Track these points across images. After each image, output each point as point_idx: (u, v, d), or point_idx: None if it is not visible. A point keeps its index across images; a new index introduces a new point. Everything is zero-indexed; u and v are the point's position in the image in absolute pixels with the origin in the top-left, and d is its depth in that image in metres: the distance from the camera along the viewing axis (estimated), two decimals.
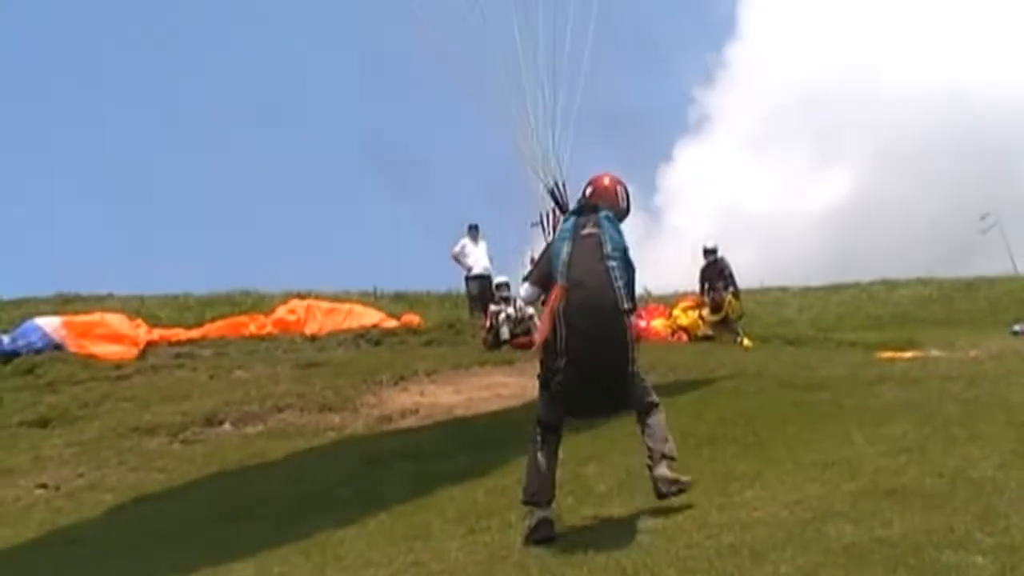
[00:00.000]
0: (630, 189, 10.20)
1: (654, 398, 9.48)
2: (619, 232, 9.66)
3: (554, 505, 9.23)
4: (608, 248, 9.44)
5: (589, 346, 9.21)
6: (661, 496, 9.23)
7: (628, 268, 9.50)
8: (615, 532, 8.69)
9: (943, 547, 7.03)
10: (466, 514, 10.12)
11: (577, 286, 9.34)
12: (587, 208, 9.91)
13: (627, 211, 10.15)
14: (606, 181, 10.21)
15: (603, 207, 9.82)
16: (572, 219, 9.81)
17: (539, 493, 9.17)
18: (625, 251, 9.56)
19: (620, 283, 9.30)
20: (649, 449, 9.29)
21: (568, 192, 11.30)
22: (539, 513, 9.06)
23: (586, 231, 9.59)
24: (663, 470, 9.19)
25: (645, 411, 9.42)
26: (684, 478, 9.29)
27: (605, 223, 9.62)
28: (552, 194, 11.26)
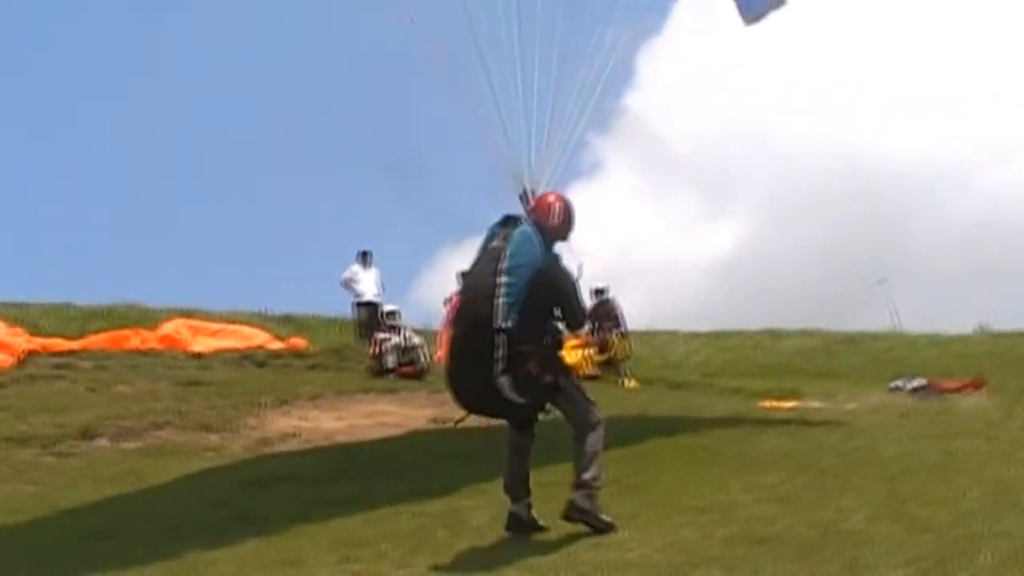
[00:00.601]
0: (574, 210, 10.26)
1: (583, 421, 9.84)
2: (528, 250, 9.73)
3: (529, 500, 9.76)
4: (505, 264, 9.56)
5: (456, 352, 9.76)
6: (564, 518, 9.51)
7: (530, 287, 9.59)
8: (487, 567, 8.68)
9: None
10: (340, 542, 10.03)
11: (466, 296, 9.85)
12: (509, 221, 10.00)
13: (561, 228, 10.20)
14: (550, 198, 10.40)
15: (528, 221, 9.99)
16: (491, 230, 9.97)
17: (507, 488, 9.85)
18: (533, 269, 9.67)
19: (503, 299, 9.43)
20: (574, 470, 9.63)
21: None
22: (510, 507, 9.73)
23: (495, 243, 9.77)
24: (575, 495, 9.50)
25: (575, 434, 9.81)
26: (604, 517, 9.52)
27: (516, 238, 9.73)
28: (520, 200, 11.03)
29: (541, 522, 9.81)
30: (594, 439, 9.82)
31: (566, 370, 10.16)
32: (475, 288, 9.76)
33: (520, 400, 9.61)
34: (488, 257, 9.74)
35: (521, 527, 9.73)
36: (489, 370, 9.43)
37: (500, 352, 9.44)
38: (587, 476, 9.59)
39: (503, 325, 9.43)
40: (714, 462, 12.24)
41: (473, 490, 11.68)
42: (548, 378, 9.76)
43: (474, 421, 18.46)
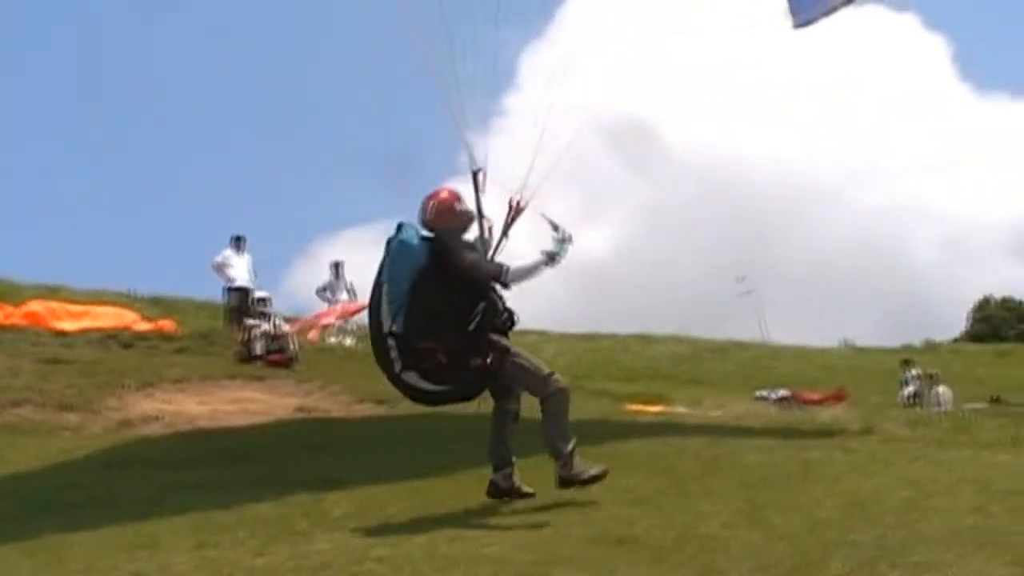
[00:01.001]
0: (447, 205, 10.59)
1: (539, 391, 10.56)
2: (403, 258, 10.29)
3: (509, 469, 10.64)
4: (383, 276, 10.33)
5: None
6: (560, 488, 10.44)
7: (416, 288, 10.22)
8: (346, 559, 8.61)
9: None
10: (197, 527, 9.90)
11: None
12: (398, 229, 10.49)
13: (437, 222, 10.57)
14: (426, 196, 10.74)
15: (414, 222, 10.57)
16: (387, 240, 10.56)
17: (490, 456, 10.74)
18: (412, 270, 10.25)
19: (386, 307, 10.22)
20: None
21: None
22: (491, 475, 10.58)
23: (383, 256, 10.51)
24: (559, 470, 10.45)
25: (540, 405, 10.65)
26: (592, 471, 10.40)
27: (393, 248, 10.35)
28: (473, 178, 11.77)
29: (526, 489, 10.50)
30: (555, 406, 10.55)
31: (503, 349, 10.44)
32: (369, 301, 10.60)
33: (437, 387, 10.44)
34: (377, 270, 10.39)
35: (500, 494, 10.45)
36: (395, 370, 10.32)
37: (393, 354, 10.28)
38: (561, 446, 10.46)
39: (390, 330, 10.23)
40: None
41: (336, 481, 11.62)
42: (476, 363, 10.30)
43: (338, 411, 18.46)
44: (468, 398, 10.91)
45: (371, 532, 9.46)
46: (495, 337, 10.46)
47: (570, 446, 10.44)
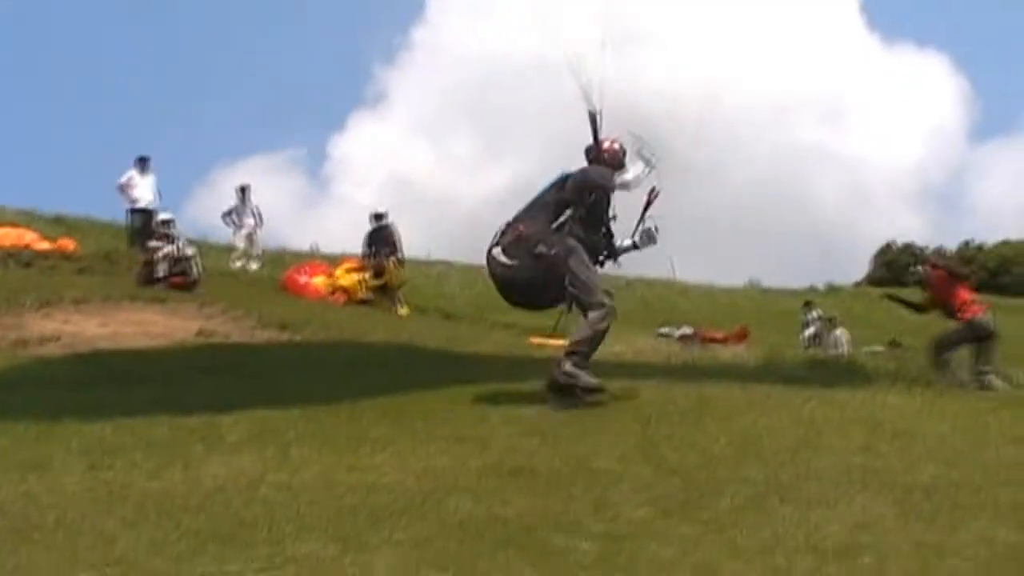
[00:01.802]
0: None
1: (586, 301, 11.79)
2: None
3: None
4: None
5: None
6: (550, 384, 11.83)
7: (549, 191, 12.15)
8: (241, 484, 8.58)
9: (553, 530, 7.26)
10: (91, 448, 9.77)
11: None
12: None
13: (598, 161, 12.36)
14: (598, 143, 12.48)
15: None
16: None
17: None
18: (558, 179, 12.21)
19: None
20: None
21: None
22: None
23: None
24: (564, 361, 11.69)
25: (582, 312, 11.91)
26: (591, 381, 11.66)
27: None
28: (591, 119, 12.60)
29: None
30: (595, 317, 11.72)
31: (568, 249, 11.67)
32: None
33: (509, 261, 11.68)
34: None
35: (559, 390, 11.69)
36: (489, 247, 11.93)
37: (497, 236, 11.90)
38: (576, 342, 11.77)
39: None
40: (477, 393, 12.29)
41: (233, 405, 11.52)
42: (540, 248, 11.56)
43: (240, 336, 18.33)
44: (534, 287, 11.86)
45: (267, 458, 9.40)
46: (570, 240, 11.70)
47: (586, 354, 11.73)
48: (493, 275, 12.08)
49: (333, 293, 27.85)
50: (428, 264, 43.40)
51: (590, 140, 12.42)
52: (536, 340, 22.60)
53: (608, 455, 9.43)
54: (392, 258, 28.38)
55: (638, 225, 12.76)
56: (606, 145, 12.42)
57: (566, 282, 11.64)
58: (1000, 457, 9.75)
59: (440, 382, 13.07)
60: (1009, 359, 19.61)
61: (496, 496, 8.12)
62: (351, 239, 32.79)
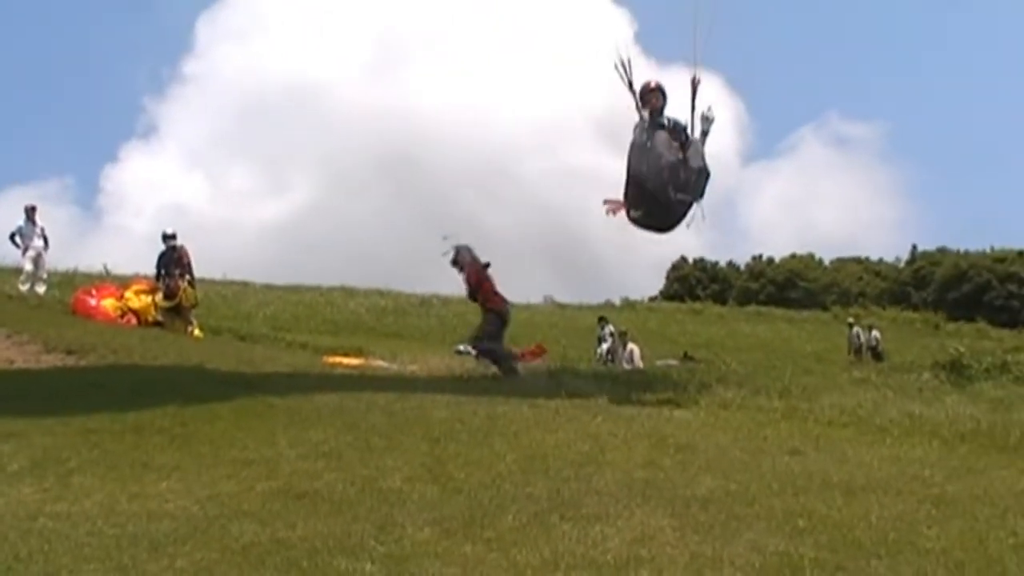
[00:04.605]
0: None
1: None
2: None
3: None
4: None
5: None
6: None
7: None
8: (20, 515, 8.36)
9: (337, 552, 7.25)
10: None
11: None
12: None
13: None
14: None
15: None
16: None
17: None
18: None
19: None
20: None
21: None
22: None
23: None
24: None
25: None
26: None
27: None
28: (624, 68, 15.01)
29: None
30: None
31: None
32: None
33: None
34: None
35: None
36: None
37: None
38: None
39: None
40: (266, 415, 12.24)
41: (14, 433, 11.22)
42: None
43: (24, 362, 17.84)
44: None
45: (47, 487, 9.19)
46: None
47: None
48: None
49: (123, 316, 27.32)
50: (225, 284, 42.90)
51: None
52: (331, 360, 22.51)
53: (395, 475, 9.47)
54: (185, 279, 27.94)
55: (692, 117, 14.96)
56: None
57: None
58: (776, 468, 10.08)
59: (229, 405, 12.94)
60: (800, 370, 20.25)
61: (281, 520, 8.07)
62: (134, 262, 32.30)
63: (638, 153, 14.53)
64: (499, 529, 7.87)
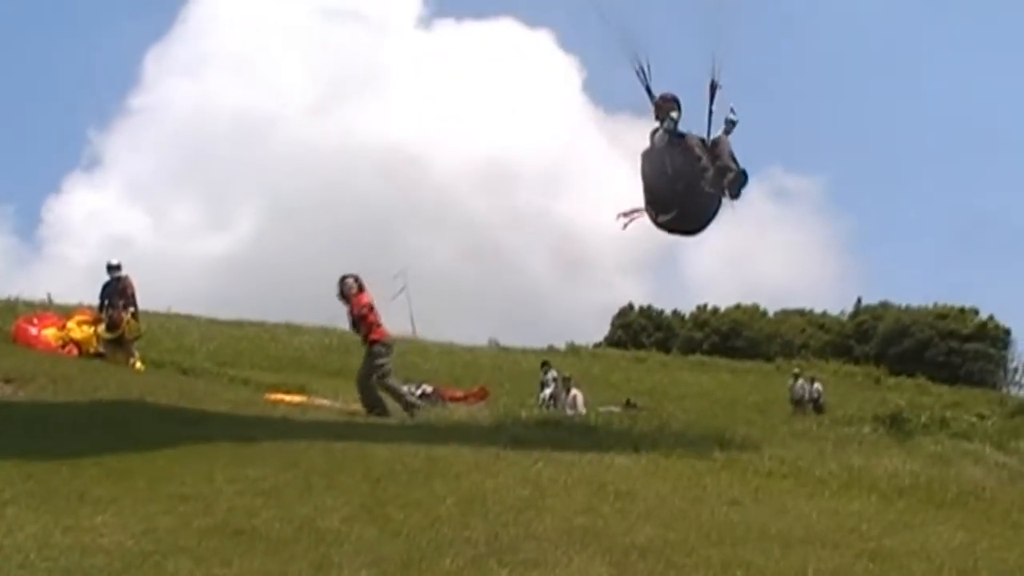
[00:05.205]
0: None
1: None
2: None
3: None
4: None
5: None
6: None
7: None
8: None
9: None
10: None
11: None
12: None
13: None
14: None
15: None
16: None
17: None
18: None
19: None
20: None
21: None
22: None
23: None
24: None
25: None
26: None
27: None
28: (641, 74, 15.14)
29: None
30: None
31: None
32: None
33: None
34: None
35: None
36: None
37: None
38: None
39: None
40: (205, 451, 12.13)
41: None
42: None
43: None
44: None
45: None
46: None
47: None
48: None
49: (65, 346, 27.06)
50: (169, 317, 42.63)
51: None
52: (272, 397, 22.41)
53: (333, 515, 9.42)
54: (128, 311, 27.72)
55: (710, 119, 15.23)
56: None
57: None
58: (715, 517, 10.13)
59: (168, 440, 12.83)
60: (741, 420, 20.33)
61: (217, 557, 8.01)
62: (75, 292, 32.07)
63: (661, 155, 14.79)
64: (436, 573, 7.86)
